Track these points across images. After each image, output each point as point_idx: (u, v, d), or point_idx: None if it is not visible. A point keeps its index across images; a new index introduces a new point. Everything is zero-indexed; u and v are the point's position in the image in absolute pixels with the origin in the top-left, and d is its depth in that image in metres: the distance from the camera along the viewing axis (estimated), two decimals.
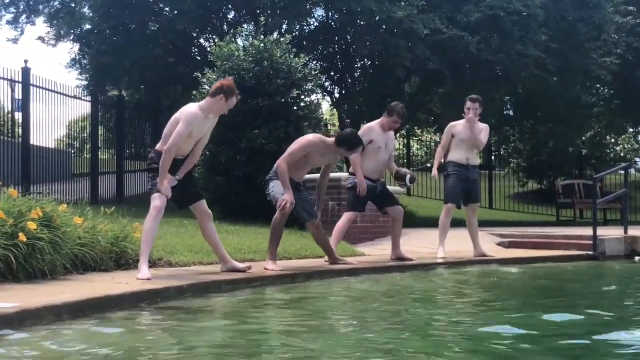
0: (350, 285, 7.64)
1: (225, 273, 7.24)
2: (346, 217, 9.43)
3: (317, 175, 9.08)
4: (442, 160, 10.26)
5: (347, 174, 9.87)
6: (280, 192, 8.08)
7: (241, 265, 7.43)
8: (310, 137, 8.51)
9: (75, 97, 16.51)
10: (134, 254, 7.22)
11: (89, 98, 17.18)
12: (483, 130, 10.10)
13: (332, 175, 12.08)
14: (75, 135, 23.80)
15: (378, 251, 10.73)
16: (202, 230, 7.42)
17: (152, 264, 7.34)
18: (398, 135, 27.20)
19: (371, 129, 9.42)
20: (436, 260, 9.61)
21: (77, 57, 20.94)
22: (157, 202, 6.84)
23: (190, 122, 6.88)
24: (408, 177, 9.43)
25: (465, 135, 9.99)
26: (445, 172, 10.16)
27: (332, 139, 8.41)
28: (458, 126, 10.13)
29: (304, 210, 8.29)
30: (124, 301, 5.42)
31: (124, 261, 7.22)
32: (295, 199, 8.14)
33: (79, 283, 6.09)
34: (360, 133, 9.06)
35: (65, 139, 22.99)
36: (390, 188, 10.19)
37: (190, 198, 7.27)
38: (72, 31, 19.96)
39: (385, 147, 9.37)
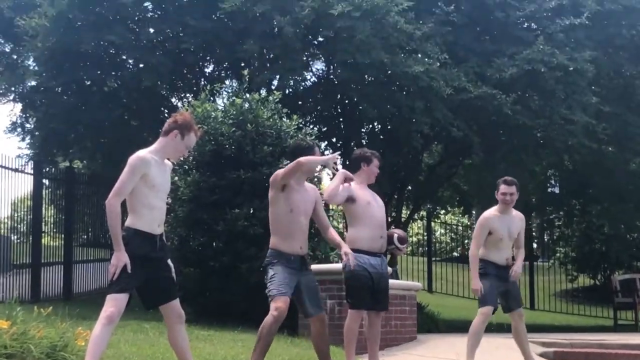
0: None
1: None
2: (352, 314, 9.12)
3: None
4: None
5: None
6: (282, 282, 7.84)
7: None
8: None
9: (15, 169, 16.45)
10: None
11: (30, 170, 17.08)
12: (521, 229, 9.96)
13: (331, 266, 12.01)
14: (21, 216, 23.70)
15: None
16: (170, 335, 7.16)
17: None
18: (417, 215, 27.15)
19: (345, 187, 8.93)
20: None
21: (19, 120, 20.95)
22: (112, 307, 6.58)
23: (136, 165, 6.63)
24: (395, 236, 9.12)
25: (506, 232, 9.81)
26: (480, 269, 9.91)
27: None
28: (495, 219, 9.89)
29: (312, 299, 8.05)
30: None
31: None
32: (302, 282, 7.93)
33: None
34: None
35: (7, 221, 22.89)
36: (405, 283, 9.94)
37: (162, 294, 7.00)
38: (13, 88, 20.02)
39: (375, 201, 9.02)
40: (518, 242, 9.98)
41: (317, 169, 8.81)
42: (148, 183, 6.70)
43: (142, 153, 6.76)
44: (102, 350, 6.68)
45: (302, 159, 7.90)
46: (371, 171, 9.18)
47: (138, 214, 6.75)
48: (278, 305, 7.72)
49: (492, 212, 9.92)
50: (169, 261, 7.02)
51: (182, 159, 13.22)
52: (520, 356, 10.16)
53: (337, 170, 8.38)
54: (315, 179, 15.05)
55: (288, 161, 8.22)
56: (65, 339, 7.17)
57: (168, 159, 7.08)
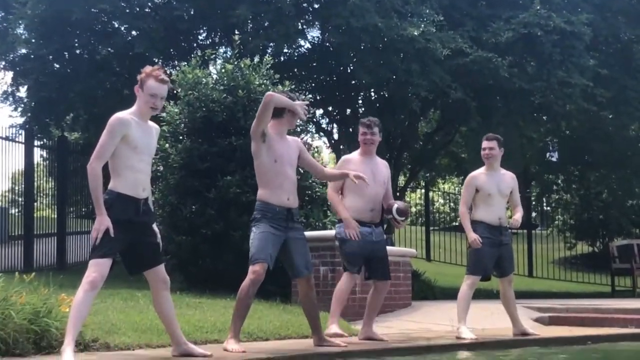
0: None
1: (177, 358, 6.90)
2: (345, 277, 9.05)
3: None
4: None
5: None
6: (262, 247, 7.74)
7: (199, 350, 7.08)
8: None
9: (6, 138, 16.35)
10: (59, 334, 6.89)
11: (22, 139, 16.97)
12: (514, 188, 9.86)
13: (324, 232, 11.90)
14: (21, 190, 23.66)
15: (382, 329, 10.39)
16: (155, 301, 7.05)
17: (84, 347, 7.03)
18: (414, 184, 27.02)
19: (348, 160, 9.12)
20: (459, 341, 9.27)
21: (10, 89, 20.78)
22: (95, 273, 6.43)
23: (114, 126, 6.55)
24: (395, 207, 8.99)
25: (493, 187, 9.72)
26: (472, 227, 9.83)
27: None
28: (481, 176, 9.84)
29: (299, 258, 7.97)
30: None
31: (46, 343, 6.87)
32: (290, 238, 7.88)
33: None
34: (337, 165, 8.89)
35: (7, 195, 22.84)
36: (399, 249, 9.82)
37: (146, 259, 6.87)
38: (3, 56, 19.85)
39: (372, 177, 8.96)
40: (514, 200, 9.96)
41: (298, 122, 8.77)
42: (130, 144, 6.59)
43: (120, 114, 6.66)
44: (85, 316, 6.56)
45: (271, 92, 7.94)
46: (360, 139, 9.11)
47: (121, 177, 6.63)
48: (255, 269, 7.68)
49: (478, 170, 9.94)
50: (155, 226, 6.90)
51: (162, 114, 12.98)
52: None
53: (307, 116, 8.25)
54: (315, 150, 14.99)
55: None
56: (48, 305, 7.05)
57: (153, 120, 6.97)
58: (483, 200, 9.75)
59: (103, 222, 6.44)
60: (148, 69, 6.90)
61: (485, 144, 9.86)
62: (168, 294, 7.01)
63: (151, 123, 6.92)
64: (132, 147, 6.60)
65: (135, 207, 6.65)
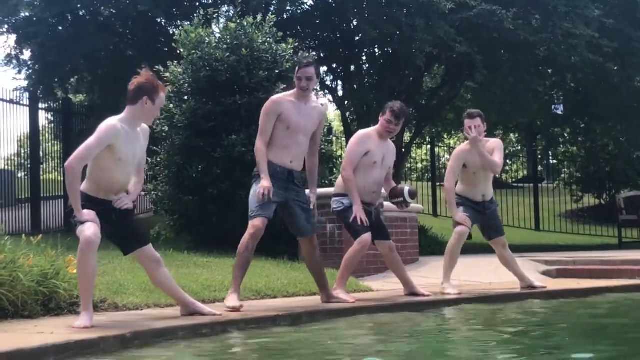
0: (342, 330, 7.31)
1: (184, 317, 6.92)
2: (358, 243, 8.89)
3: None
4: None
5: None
6: (262, 203, 7.73)
7: (208, 310, 7.09)
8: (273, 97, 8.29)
9: (11, 101, 16.29)
10: (67, 296, 6.93)
11: (26, 102, 16.90)
12: (495, 150, 9.64)
13: (331, 190, 11.85)
14: (28, 154, 23.68)
15: (390, 285, 10.43)
16: (151, 278, 7.03)
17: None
18: (420, 140, 26.98)
19: (369, 136, 8.96)
20: (446, 297, 9.32)
21: (14, 52, 20.70)
22: (87, 232, 6.27)
23: (106, 134, 6.39)
24: (406, 190, 9.03)
25: (480, 165, 9.55)
26: (457, 202, 9.71)
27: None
28: (469, 153, 9.64)
29: (300, 220, 8.02)
30: (41, 356, 5.12)
31: (54, 304, 6.91)
32: (290, 199, 7.91)
33: None
34: (355, 140, 8.89)
35: (15, 158, 22.83)
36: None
37: (133, 241, 6.82)
38: (6, 19, 19.75)
39: (381, 161, 8.93)
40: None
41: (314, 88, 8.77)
42: (114, 155, 6.49)
43: (113, 121, 6.52)
44: (91, 277, 6.45)
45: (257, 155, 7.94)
46: (380, 123, 8.96)
47: (95, 181, 6.58)
48: (255, 224, 7.79)
49: (464, 146, 9.68)
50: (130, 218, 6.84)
51: (166, 74, 13.08)
52: None
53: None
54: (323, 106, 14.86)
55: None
56: (56, 267, 7.06)
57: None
58: (468, 178, 9.63)
59: (87, 215, 6.34)
60: (151, 78, 6.77)
61: (469, 122, 9.54)
62: (163, 269, 6.93)
63: (143, 126, 6.81)
64: (116, 158, 6.50)
65: (106, 207, 6.56)
